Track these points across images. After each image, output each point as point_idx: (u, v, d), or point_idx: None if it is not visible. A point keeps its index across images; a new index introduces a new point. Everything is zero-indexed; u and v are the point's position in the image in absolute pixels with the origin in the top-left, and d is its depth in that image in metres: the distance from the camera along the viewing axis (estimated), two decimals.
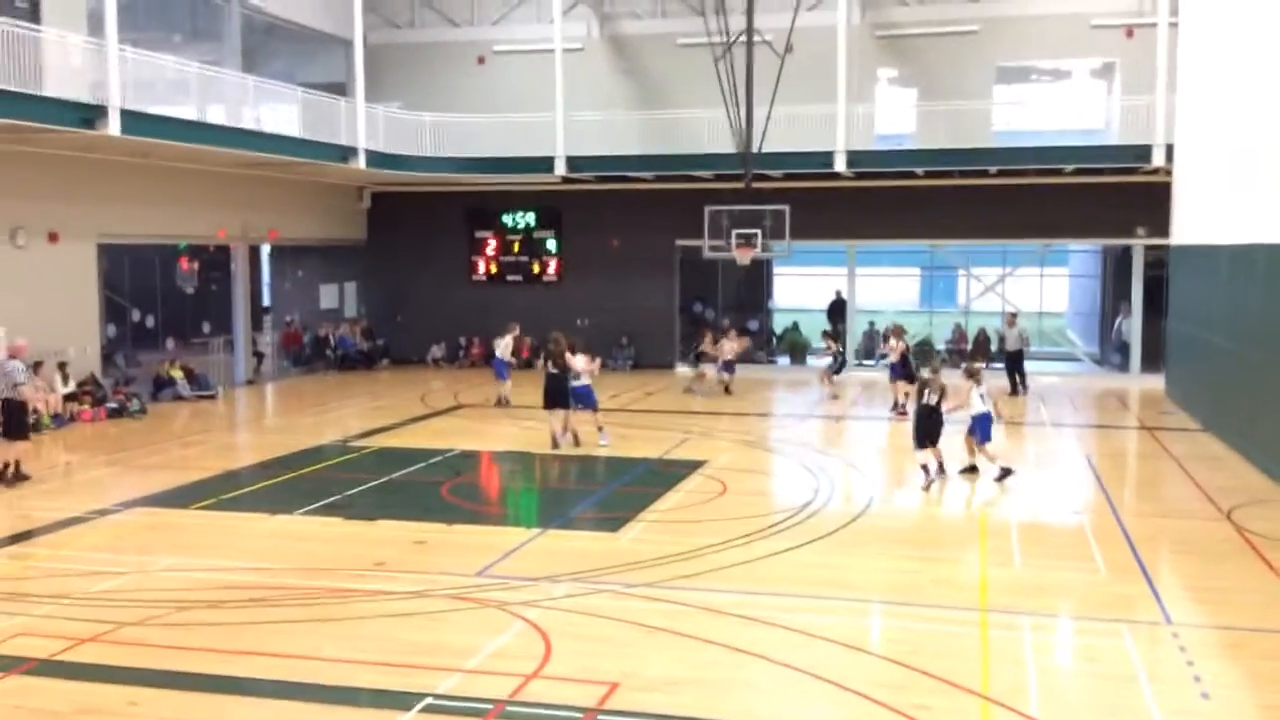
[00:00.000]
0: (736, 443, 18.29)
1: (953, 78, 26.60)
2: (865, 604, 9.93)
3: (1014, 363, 24.19)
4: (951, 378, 16.37)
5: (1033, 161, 25.82)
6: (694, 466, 15.88)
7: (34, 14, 18.76)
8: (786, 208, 24.90)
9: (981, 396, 15.36)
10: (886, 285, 39.67)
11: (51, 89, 17.64)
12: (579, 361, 17.55)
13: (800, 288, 35.96)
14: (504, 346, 22.59)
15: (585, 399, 17.72)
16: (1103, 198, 26.50)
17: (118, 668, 8.15)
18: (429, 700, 7.55)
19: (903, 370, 21.33)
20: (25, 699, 7.63)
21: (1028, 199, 26.77)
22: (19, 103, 16.83)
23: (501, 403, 22.08)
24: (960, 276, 33.02)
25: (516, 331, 23.08)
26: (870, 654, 8.64)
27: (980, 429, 15.38)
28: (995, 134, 26.97)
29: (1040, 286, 33.09)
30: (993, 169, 25.91)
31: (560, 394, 17.31)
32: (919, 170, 26.38)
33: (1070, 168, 25.70)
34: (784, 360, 30.70)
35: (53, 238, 20.36)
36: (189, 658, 8.33)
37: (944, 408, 14.99)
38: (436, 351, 30.18)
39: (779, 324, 32.45)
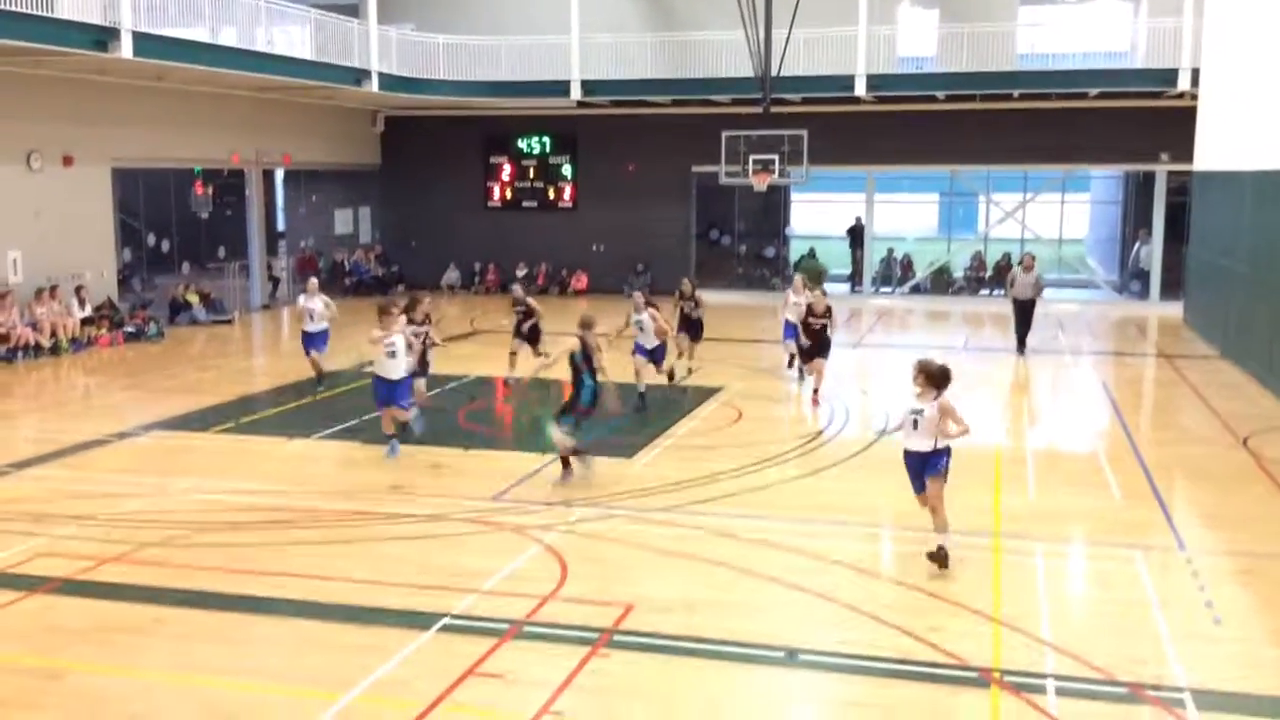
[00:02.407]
0: (752, 370, 18.27)
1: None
2: (879, 529, 9.98)
3: (1023, 314, 19.87)
4: (966, 305, 16.23)
5: (1057, 86, 25.38)
6: (709, 394, 15.89)
7: None
8: (805, 132, 24.58)
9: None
10: (905, 212, 39.34)
11: (64, 11, 17.44)
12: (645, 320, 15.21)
13: (818, 214, 35.68)
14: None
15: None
16: (1126, 122, 26.08)
17: (140, 587, 8.27)
18: (447, 620, 7.65)
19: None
20: (49, 617, 7.76)
21: (1050, 123, 26.37)
22: (32, 25, 16.66)
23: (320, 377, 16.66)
24: (980, 202, 32.68)
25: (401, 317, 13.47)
26: (883, 578, 8.69)
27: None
28: (1018, 57, 26.48)
29: (1061, 212, 32.72)
30: (1015, 93, 25.49)
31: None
32: (940, 94, 25.97)
33: (1094, 91, 25.27)
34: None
35: (67, 161, 20.28)
36: (210, 577, 8.45)
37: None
38: (451, 277, 30.13)
39: (795, 251, 32.25)
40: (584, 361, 11.29)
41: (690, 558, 8.99)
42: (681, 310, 17.28)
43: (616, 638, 7.42)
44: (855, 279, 30.12)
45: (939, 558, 8.60)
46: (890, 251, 30.48)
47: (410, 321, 13.27)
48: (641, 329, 15.22)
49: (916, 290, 29.42)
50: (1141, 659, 7.15)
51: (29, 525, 9.77)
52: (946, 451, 8.82)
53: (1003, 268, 29.21)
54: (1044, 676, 6.89)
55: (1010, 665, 7.03)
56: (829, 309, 15.53)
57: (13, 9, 16.31)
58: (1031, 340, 19.85)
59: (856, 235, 30.03)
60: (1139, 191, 28.84)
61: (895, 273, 29.98)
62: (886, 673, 6.95)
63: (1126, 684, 6.79)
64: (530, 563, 8.86)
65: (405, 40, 26.45)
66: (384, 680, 6.82)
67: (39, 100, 19.51)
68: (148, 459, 12.35)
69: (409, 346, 12.51)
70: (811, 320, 15.48)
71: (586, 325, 11.57)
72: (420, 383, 13.95)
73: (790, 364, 17.44)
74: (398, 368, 12.23)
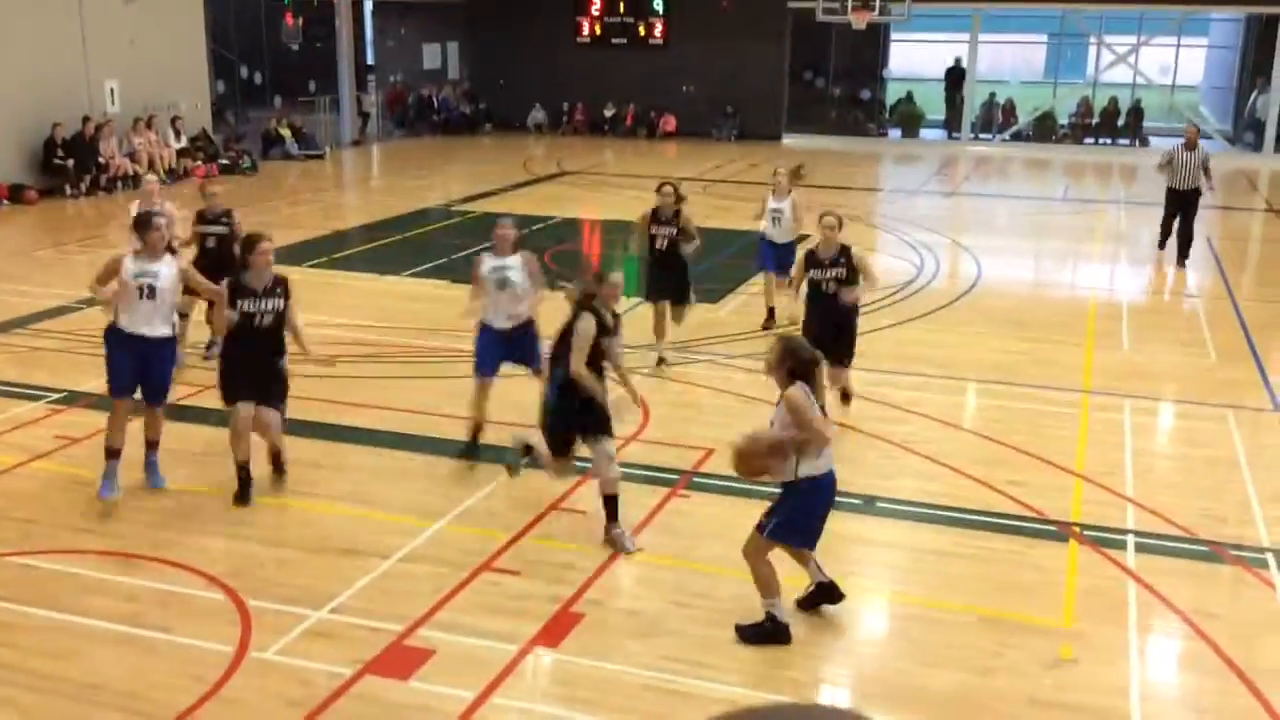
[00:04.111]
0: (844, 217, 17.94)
1: None
2: (964, 381, 9.92)
3: (1183, 211, 14.51)
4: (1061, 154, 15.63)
5: None
6: (798, 239, 15.68)
7: None
8: None
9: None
10: (1010, 53, 37.68)
11: None
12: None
13: (918, 55, 34.34)
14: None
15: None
16: None
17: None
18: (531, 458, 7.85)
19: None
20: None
21: None
22: None
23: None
24: (1091, 45, 31.12)
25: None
26: (965, 430, 8.69)
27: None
28: None
29: (1175, 57, 31.06)
30: None
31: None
32: None
33: None
34: (895, 133, 29.71)
35: None
36: (308, 407, 8.72)
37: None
38: (538, 116, 29.84)
39: (892, 94, 31.24)
40: (561, 345, 6.66)
41: (772, 405, 9.05)
42: (651, 237, 9.92)
43: (696, 479, 7.57)
44: (953, 124, 29.16)
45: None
46: (992, 95, 29.35)
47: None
48: (778, 222, 11.16)
49: (1018, 137, 28.42)
50: (1224, 518, 7.11)
51: None
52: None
53: (1109, 114, 28.05)
54: (1124, 532, 6.89)
55: (1090, 520, 7.04)
56: (844, 251, 8.50)
57: None
58: (1129, 193, 19.08)
59: (956, 77, 28.94)
60: (1260, 38, 27.21)
61: (996, 118, 28.93)
62: (964, 523, 7.01)
63: (1208, 542, 6.77)
64: (614, 404, 8.99)
65: None
66: (473, 509, 7.08)
67: None
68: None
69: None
70: (820, 273, 8.42)
71: (599, 281, 6.80)
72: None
73: (768, 320, 11.32)
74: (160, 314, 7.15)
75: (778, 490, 5.67)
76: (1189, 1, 26.18)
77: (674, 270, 10.00)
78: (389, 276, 13.46)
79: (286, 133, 23.67)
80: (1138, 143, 27.65)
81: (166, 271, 7.06)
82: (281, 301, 7.08)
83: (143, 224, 7.21)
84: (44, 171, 18.06)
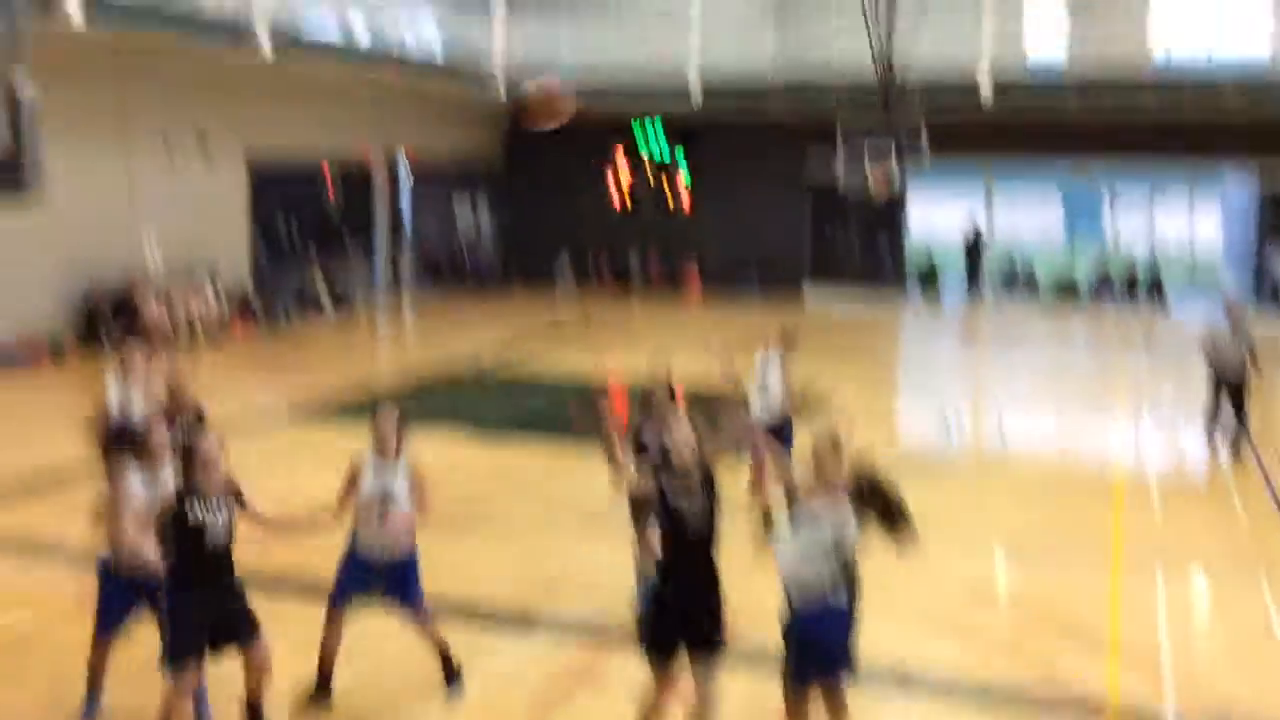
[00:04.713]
0: (863, 373, 18.15)
1: None
2: (989, 545, 9.86)
3: (1232, 396, 12.86)
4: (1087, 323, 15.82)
5: (1193, 88, 24.55)
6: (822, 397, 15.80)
7: None
8: (924, 130, 24.23)
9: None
10: (1026, 217, 38.50)
11: (209, 12, 18.11)
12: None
13: (935, 216, 35.14)
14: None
15: None
16: (1267, 126, 25.13)
17: (258, 574, 8.59)
18: (560, 619, 7.83)
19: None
20: None
21: (1184, 125, 25.56)
22: (173, 18, 17.38)
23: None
24: (1105, 208, 31.81)
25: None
26: (994, 597, 8.60)
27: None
28: (1154, 57, 25.64)
29: (1190, 222, 31.64)
30: (1148, 92, 24.74)
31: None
32: (1068, 95, 25.34)
33: (1231, 95, 24.38)
34: (916, 291, 30.15)
35: (206, 152, 21.06)
36: (330, 566, 8.74)
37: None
38: (565, 271, 30.46)
39: (912, 253, 31.81)
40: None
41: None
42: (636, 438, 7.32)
43: None
44: (973, 285, 29.60)
45: None
46: (1010, 256, 29.86)
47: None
48: (766, 389, 9.56)
49: (1036, 298, 28.77)
50: (1265, 692, 6.96)
51: None
52: None
53: (1127, 275, 28.39)
54: (1160, 708, 6.76)
55: (1126, 696, 6.91)
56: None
57: (160, 4, 17.03)
58: (1156, 359, 19.16)
59: (974, 239, 29.52)
60: (1274, 200, 27.74)
61: (1015, 279, 29.35)
62: (996, 701, 6.89)
63: None
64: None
65: (531, 37, 26.81)
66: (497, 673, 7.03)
67: (178, 92, 20.29)
68: (277, 448, 12.84)
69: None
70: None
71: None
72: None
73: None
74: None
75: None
76: (1198, 153, 26.71)
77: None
78: (416, 431, 13.59)
79: (322, 290, 24.26)
80: (1158, 304, 27.90)
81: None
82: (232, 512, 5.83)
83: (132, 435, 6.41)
84: (84, 331, 18.50)
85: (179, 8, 17.36)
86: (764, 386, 9.45)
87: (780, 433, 9.13)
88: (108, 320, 18.49)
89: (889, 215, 30.86)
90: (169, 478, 5.98)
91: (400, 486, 6.34)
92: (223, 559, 5.75)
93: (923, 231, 34.39)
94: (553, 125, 5.43)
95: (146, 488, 5.99)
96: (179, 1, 17.37)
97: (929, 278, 30.20)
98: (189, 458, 5.68)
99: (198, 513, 5.58)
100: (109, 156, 18.94)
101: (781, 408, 9.39)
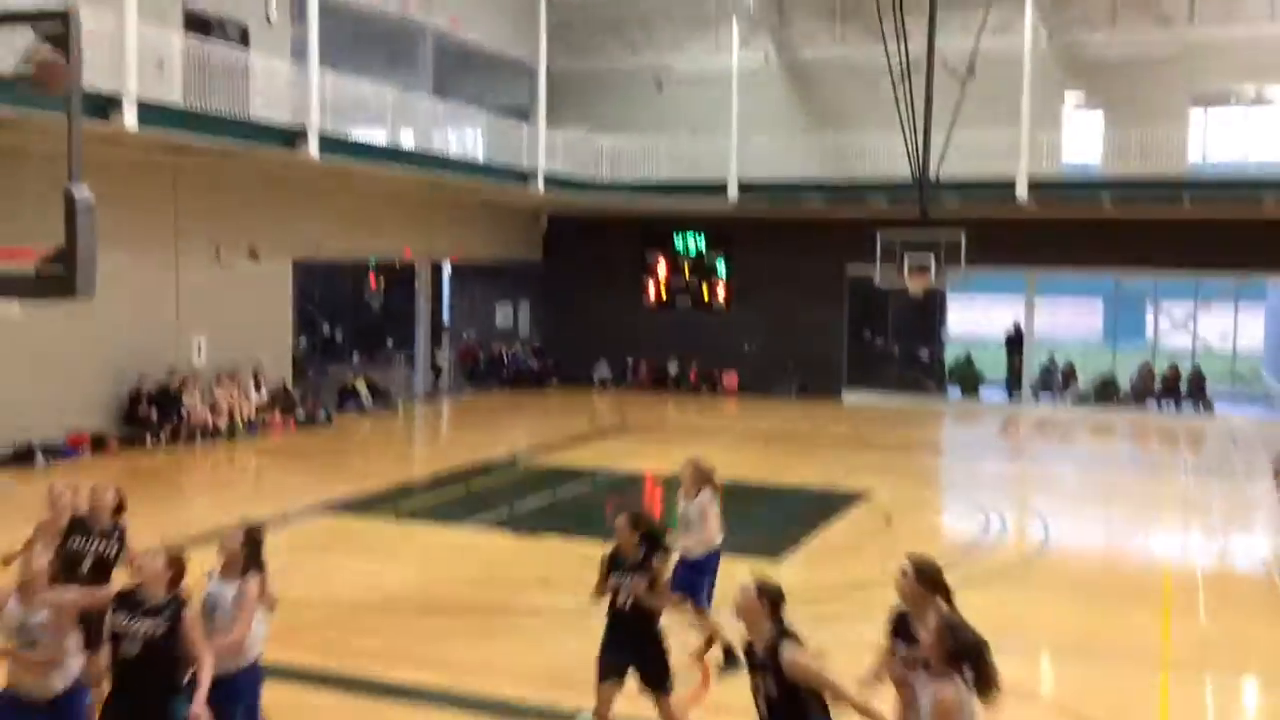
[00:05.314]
0: (904, 475, 17.96)
1: (1144, 101, 25.56)
2: (1037, 650, 9.61)
3: None
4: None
5: (1231, 194, 24.58)
6: (858, 497, 15.67)
7: (243, 42, 19.99)
8: (963, 235, 24.35)
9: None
10: (1067, 317, 38.32)
11: (257, 113, 18.73)
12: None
13: (975, 317, 35.10)
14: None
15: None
16: None
17: (289, 666, 8.55)
18: (585, 716, 7.69)
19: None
20: None
21: (1224, 230, 25.48)
22: (228, 125, 17.96)
23: None
24: (1148, 309, 31.61)
25: None
26: (1042, 703, 8.36)
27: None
28: (1191, 161, 25.77)
29: (1235, 322, 31.35)
30: (1186, 199, 24.78)
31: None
32: (1106, 199, 25.44)
33: (1271, 200, 24.36)
34: (955, 393, 29.99)
35: (253, 253, 21.55)
36: (359, 661, 8.70)
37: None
38: (603, 372, 30.63)
39: (951, 354, 31.73)
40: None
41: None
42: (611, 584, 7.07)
43: None
44: (1012, 385, 29.40)
45: None
46: (1050, 357, 29.68)
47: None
48: (688, 525, 8.88)
49: (1079, 400, 28.48)
50: None
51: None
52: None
53: (1171, 379, 28.07)
54: None
55: None
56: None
57: (212, 111, 17.63)
58: (1201, 460, 18.88)
59: (1015, 341, 29.41)
60: None
61: (1056, 380, 29.12)
62: None
63: None
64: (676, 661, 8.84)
65: (570, 142, 27.43)
66: None
67: (229, 196, 20.84)
68: (312, 540, 12.86)
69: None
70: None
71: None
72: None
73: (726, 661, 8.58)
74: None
75: None
76: (1242, 269, 26.64)
77: (641, 639, 7.00)
78: (451, 527, 13.59)
79: (362, 387, 24.50)
80: (1201, 408, 27.52)
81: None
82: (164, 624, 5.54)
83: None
84: (127, 422, 18.76)
85: (230, 113, 17.93)
86: (691, 521, 8.85)
87: (707, 564, 8.86)
88: (150, 415, 18.73)
89: (927, 314, 30.89)
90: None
91: (227, 606, 6.07)
92: (135, 669, 5.53)
93: (962, 330, 34.32)
94: (55, 90, 5.32)
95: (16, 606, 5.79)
96: (230, 107, 17.95)
97: (968, 377, 30.03)
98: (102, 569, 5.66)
99: (119, 621, 5.57)
100: (157, 255, 19.41)
101: (709, 540, 8.87)
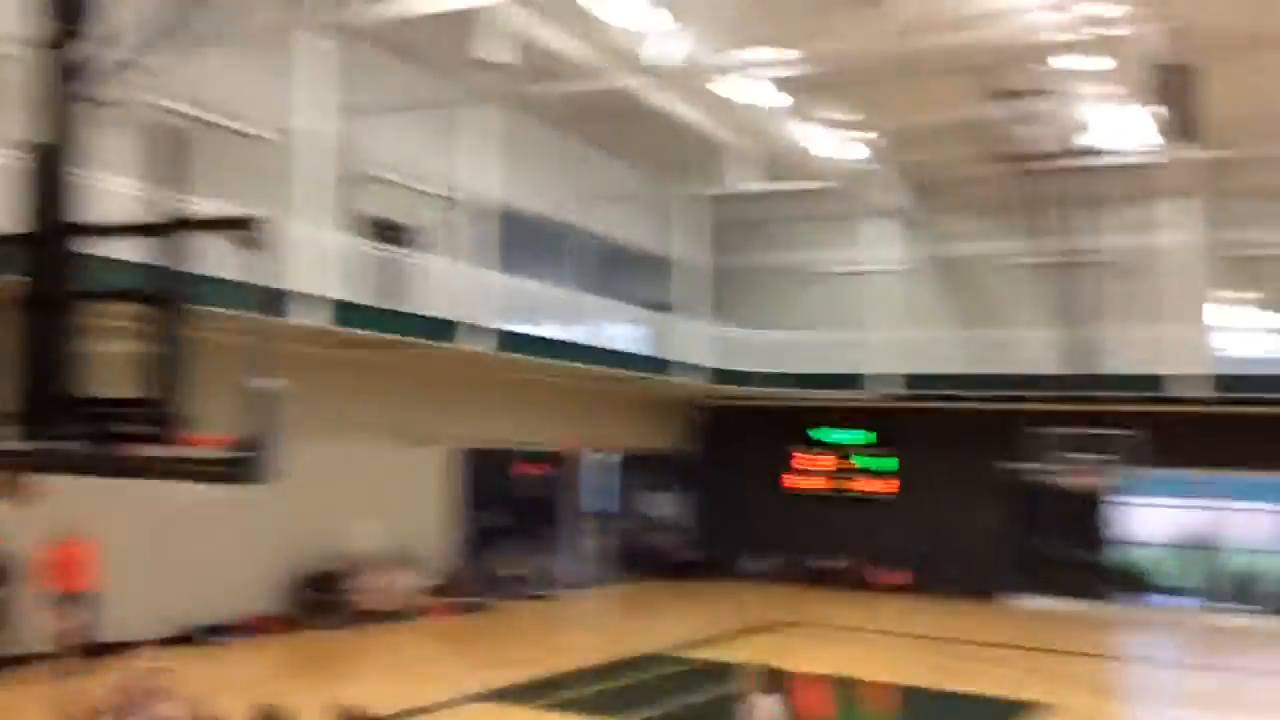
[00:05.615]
0: (1086, 686, 16.87)
1: None
2: None
3: None
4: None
5: None
6: (1038, 710, 14.76)
7: (418, 244, 21.35)
8: (1130, 433, 23.54)
9: None
10: (1254, 516, 36.04)
11: (430, 309, 19.73)
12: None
13: (1150, 517, 33.29)
14: None
15: None
16: None
17: None
18: None
19: None
20: None
21: None
22: (405, 320, 19.06)
23: None
24: None
25: None
26: None
27: None
28: None
29: None
30: None
31: None
32: None
33: None
34: (1129, 596, 28.28)
35: (415, 441, 22.33)
36: None
37: None
38: (760, 566, 30.09)
39: (1122, 557, 30.05)
40: None
41: None
42: None
43: None
44: (1190, 591, 27.55)
45: None
46: (1233, 562, 27.80)
47: None
48: None
49: (1261, 606, 26.41)
50: None
51: None
52: None
53: None
54: None
55: None
56: None
57: (378, 306, 18.70)
58: None
59: (1189, 542, 27.77)
60: None
61: (1241, 586, 27.18)
62: None
63: None
64: None
65: (727, 335, 27.98)
66: None
67: (397, 386, 21.78)
68: None
69: None
70: None
71: None
72: None
73: None
74: None
75: None
76: None
77: None
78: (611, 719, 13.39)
79: (520, 574, 24.75)
80: None
81: None
82: None
83: None
84: (297, 603, 19.37)
85: (407, 309, 19.06)
86: None
87: None
88: (319, 598, 19.31)
89: (1094, 515, 29.53)
90: None
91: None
92: None
93: (1132, 532, 32.57)
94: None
95: None
96: (407, 304, 19.10)
97: (1138, 582, 28.36)
98: None
99: None
100: (329, 443, 20.32)
101: None
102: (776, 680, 8.83)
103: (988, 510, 28.03)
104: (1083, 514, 29.31)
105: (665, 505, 31.44)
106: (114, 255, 7.50)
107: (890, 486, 29.38)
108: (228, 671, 15.91)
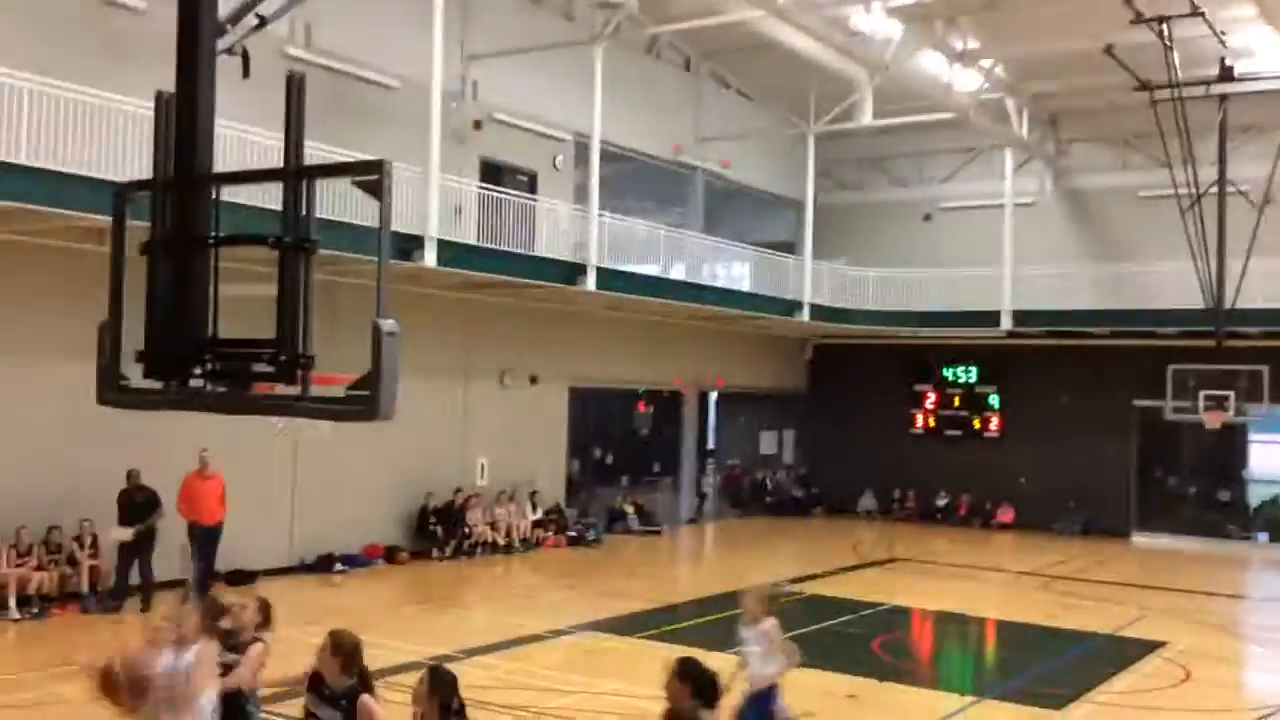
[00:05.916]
0: (1204, 625, 16.53)
1: None
2: None
3: None
4: None
5: None
6: (1152, 647, 14.54)
7: (531, 187, 21.59)
8: (1265, 369, 22.65)
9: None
10: None
11: (541, 250, 20.05)
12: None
13: None
14: None
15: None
16: None
17: None
18: None
19: None
20: None
21: None
22: (517, 261, 19.31)
23: None
24: None
25: None
26: None
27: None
28: None
29: None
30: None
31: None
32: None
33: None
34: (1262, 536, 27.43)
35: (533, 380, 22.75)
36: None
37: None
38: (868, 502, 30.01)
39: (1256, 495, 29.13)
40: None
41: None
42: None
43: None
44: None
45: None
46: None
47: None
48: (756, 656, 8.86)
49: None
50: None
51: (470, 711, 10.68)
52: None
53: None
54: None
55: None
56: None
57: (508, 249, 19.01)
58: None
59: None
60: None
61: None
62: None
63: None
64: None
65: (837, 273, 27.66)
66: None
67: (514, 326, 22.18)
68: (579, 658, 13.20)
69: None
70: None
71: None
72: None
73: None
74: None
75: None
76: None
77: None
78: (714, 653, 13.58)
79: (630, 509, 25.16)
80: None
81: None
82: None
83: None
84: (416, 535, 20.03)
85: (517, 250, 19.30)
86: (757, 654, 8.77)
87: (767, 695, 8.66)
88: (437, 530, 19.93)
89: (1227, 452, 28.61)
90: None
91: (186, 670, 6.21)
92: None
93: (1270, 470, 31.47)
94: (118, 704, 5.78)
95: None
96: (517, 245, 19.34)
97: (1273, 521, 27.44)
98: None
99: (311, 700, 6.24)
100: (446, 382, 20.82)
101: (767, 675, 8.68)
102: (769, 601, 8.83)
103: (1113, 448, 27.36)
104: (1216, 451, 28.42)
105: (776, 443, 31.46)
106: (245, 201, 7.75)
107: (1007, 424, 28.84)
108: (344, 600, 16.59)
